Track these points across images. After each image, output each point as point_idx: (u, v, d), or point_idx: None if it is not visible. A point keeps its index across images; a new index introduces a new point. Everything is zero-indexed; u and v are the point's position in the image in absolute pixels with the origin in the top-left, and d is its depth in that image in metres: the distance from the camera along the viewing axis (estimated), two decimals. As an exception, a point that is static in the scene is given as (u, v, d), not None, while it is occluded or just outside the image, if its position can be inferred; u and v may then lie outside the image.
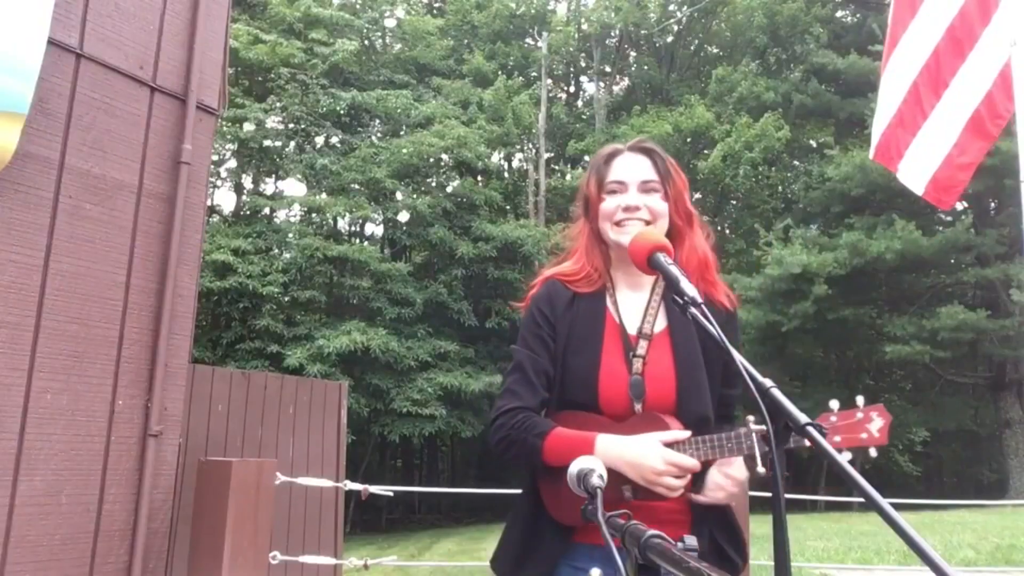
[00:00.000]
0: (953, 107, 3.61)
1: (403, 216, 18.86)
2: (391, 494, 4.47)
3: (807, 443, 1.42)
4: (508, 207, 21.79)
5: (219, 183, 19.50)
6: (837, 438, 1.48)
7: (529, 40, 24.63)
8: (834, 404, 1.53)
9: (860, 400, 1.51)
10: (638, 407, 1.56)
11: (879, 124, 3.84)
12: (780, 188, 22.67)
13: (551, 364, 1.63)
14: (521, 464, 1.62)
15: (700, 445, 1.50)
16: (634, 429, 1.53)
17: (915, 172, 3.70)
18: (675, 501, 1.53)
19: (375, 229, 21.56)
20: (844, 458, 1.45)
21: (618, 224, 1.65)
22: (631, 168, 1.68)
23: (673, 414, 1.56)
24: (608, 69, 25.15)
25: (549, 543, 1.58)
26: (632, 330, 1.63)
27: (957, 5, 3.61)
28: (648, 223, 1.64)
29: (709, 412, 1.57)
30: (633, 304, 1.67)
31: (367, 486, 4.00)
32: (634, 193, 1.65)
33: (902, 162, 3.74)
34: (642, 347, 1.60)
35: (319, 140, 18.91)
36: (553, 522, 1.57)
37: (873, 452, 1.48)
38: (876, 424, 1.49)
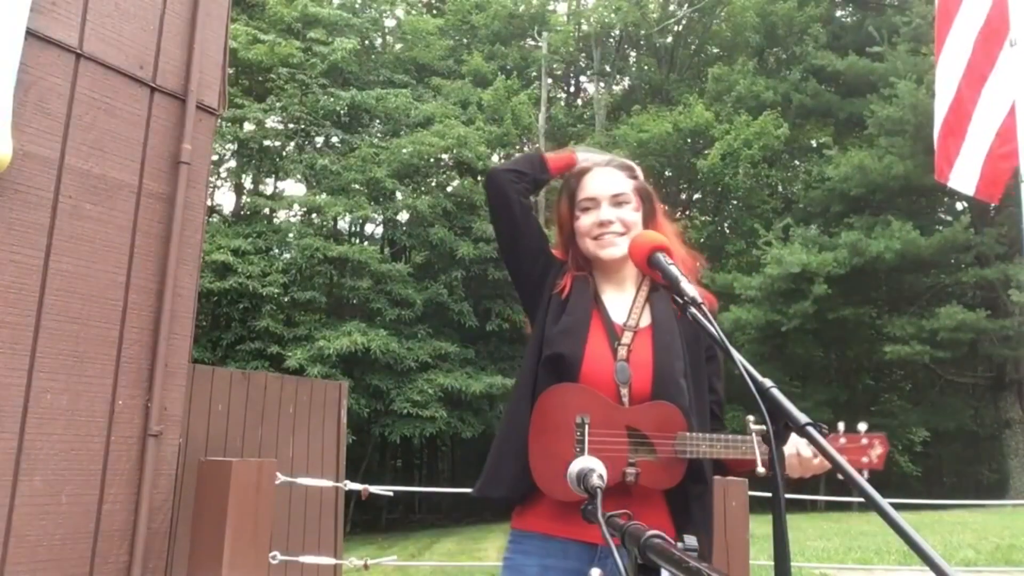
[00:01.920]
0: (992, 98, 3.55)
1: (403, 216, 18.86)
2: (391, 494, 4.47)
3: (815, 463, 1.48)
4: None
5: (219, 183, 19.51)
6: (864, 459, 1.59)
7: (529, 40, 24.62)
8: (840, 426, 1.60)
9: (863, 427, 1.59)
10: (624, 391, 1.57)
11: (936, 143, 3.79)
12: (780, 188, 22.66)
13: (542, 241, 1.78)
14: (519, 189, 1.75)
15: (696, 441, 1.52)
16: (644, 415, 1.55)
17: (965, 173, 3.64)
18: (660, 505, 1.55)
19: (375, 229, 21.57)
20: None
21: (596, 239, 1.71)
22: (601, 183, 1.74)
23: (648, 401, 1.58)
24: (608, 69, 25.15)
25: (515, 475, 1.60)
26: (617, 321, 1.67)
27: None
28: (621, 235, 1.70)
29: (686, 404, 1.59)
30: (618, 302, 1.72)
31: (367, 486, 4.00)
32: (606, 208, 1.71)
33: (953, 170, 3.69)
34: (627, 337, 1.63)
35: (319, 140, 18.91)
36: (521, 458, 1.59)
37: (865, 474, 1.56)
38: (876, 451, 1.59)
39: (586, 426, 1.51)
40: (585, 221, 1.72)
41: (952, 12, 3.72)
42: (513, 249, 1.79)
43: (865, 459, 1.57)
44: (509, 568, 1.62)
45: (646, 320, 1.67)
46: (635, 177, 1.79)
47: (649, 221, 1.76)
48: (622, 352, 1.61)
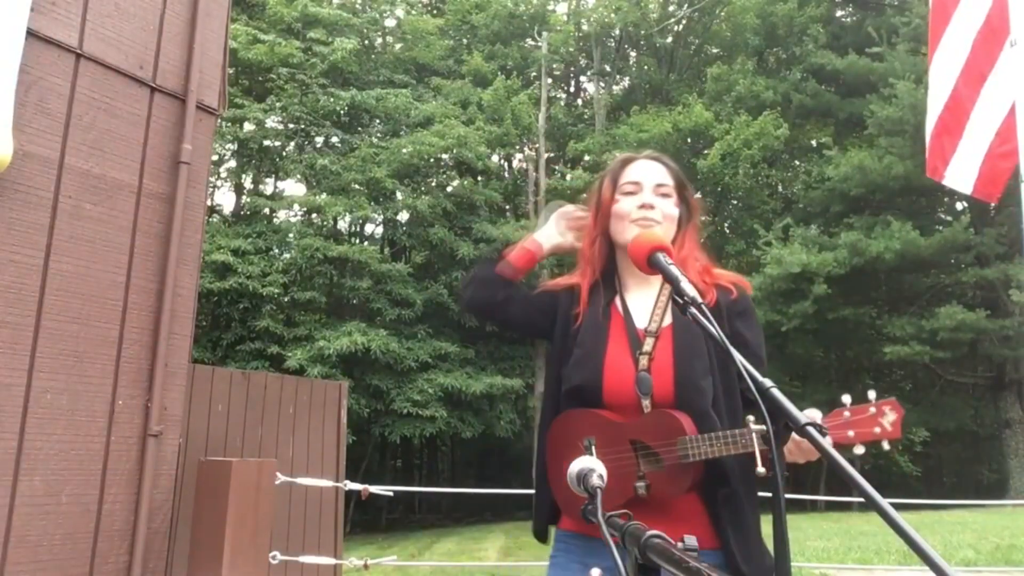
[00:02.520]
0: (992, 97, 3.51)
1: (403, 216, 18.87)
2: (391, 494, 4.47)
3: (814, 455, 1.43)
4: (508, 207, 21.78)
5: (219, 183, 19.52)
6: (851, 432, 1.48)
7: (529, 40, 24.62)
8: (846, 399, 1.54)
9: (872, 395, 1.50)
10: (646, 403, 1.57)
11: (928, 140, 3.77)
12: (780, 188, 22.66)
13: (532, 303, 1.79)
14: (486, 295, 1.78)
15: (696, 443, 1.51)
16: (646, 426, 1.55)
17: (962, 171, 3.60)
18: (687, 499, 1.54)
19: (375, 229, 21.58)
20: (845, 458, 1.47)
21: (636, 222, 1.69)
22: (647, 171, 1.74)
23: (673, 407, 1.57)
24: (608, 69, 25.16)
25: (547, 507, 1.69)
26: (639, 326, 1.67)
27: None
28: (659, 223, 1.68)
29: (708, 407, 1.57)
30: (641, 303, 1.71)
31: (367, 486, 4.00)
32: (649, 193, 1.70)
33: (948, 168, 3.64)
34: (648, 344, 1.63)
35: (319, 140, 18.92)
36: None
37: (886, 445, 1.48)
38: (889, 418, 1.49)
39: (592, 447, 1.50)
40: (626, 204, 1.71)
41: (949, 11, 3.70)
42: (520, 329, 1.90)
43: (877, 429, 1.48)
44: (554, 566, 1.65)
45: (668, 319, 1.66)
46: (676, 177, 1.78)
47: (684, 225, 1.75)
48: (643, 362, 1.60)
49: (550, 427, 1.67)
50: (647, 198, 1.69)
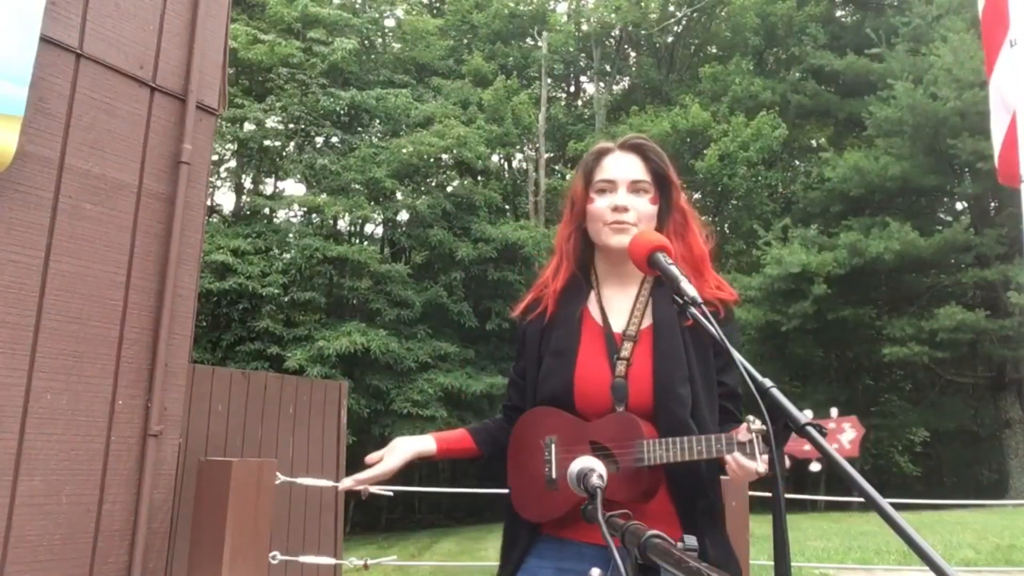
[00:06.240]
0: None
1: (403, 216, 18.87)
2: (391, 494, 4.46)
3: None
4: (508, 207, 21.79)
5: (219, 183, 19.52)
6: (806, 447, 1.41)
7: (529, 40, 24.63)
8: (808, 413, 1.51)
9: (834, 411, 1.46)
10: (620, 409, 1.54)
11: (995, 145, 3.71)
12: (779, 188, 22.68)
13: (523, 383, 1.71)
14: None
15: (653, 447, 1.47)
16: (607, 427, 1.53)
17: None
18: (660, 502, 1.51)
19: (375, 229, 21.58)
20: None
21: (608, 225, 1.62)
22: (621, 167, 1.65)
23: (651, 416, 1.53)
24: (608, 69, 25.16)
25: (522, 539, 1.60)
26: (617, 330, 1.61)
27: None
28: (633, 225, 1.61)
29: (687, 416, 1.53)
30: (619, 304, 1.65)
31: (367, 486, 3.99)
32: (623, 193, 1.62)
33: None
34: (626, 349, 1.57)
35: (319, 140, 18.91)
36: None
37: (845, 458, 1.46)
38: (848, 435, 1.44)
39: (553, 445, 1.52)
40: (599, 204, 1.63)
41: (1004, 18, 3.63)
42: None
43: (835, 446, 1.41)
44: (524, 571, 1.58)
45: (647, 321, 1.61)
46: (655, 166, 1.67)
47: (665, 215, 1.66)
48: (621, 368, 1.55)
49: (514, 425, 1.65)
50: (620, 199, 1.61)
